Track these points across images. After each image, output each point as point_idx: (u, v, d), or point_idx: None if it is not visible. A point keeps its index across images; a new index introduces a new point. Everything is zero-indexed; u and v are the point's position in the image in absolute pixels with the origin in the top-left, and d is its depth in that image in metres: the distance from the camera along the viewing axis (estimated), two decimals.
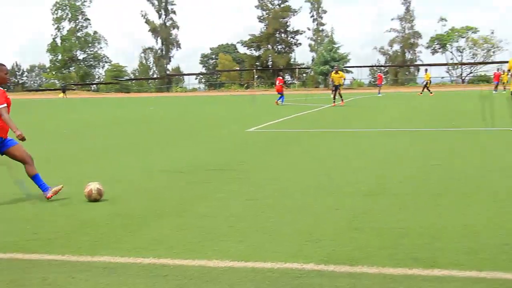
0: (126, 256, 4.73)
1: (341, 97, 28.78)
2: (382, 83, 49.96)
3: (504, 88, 39.99)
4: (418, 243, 4.90)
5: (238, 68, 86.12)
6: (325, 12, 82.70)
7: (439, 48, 75.30)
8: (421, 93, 41.65)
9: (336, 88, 28.82)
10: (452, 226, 5.38)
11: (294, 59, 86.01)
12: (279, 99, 31.70)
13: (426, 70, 44.80)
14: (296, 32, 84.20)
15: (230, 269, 4.38)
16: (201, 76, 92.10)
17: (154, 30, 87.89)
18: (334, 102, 28.40)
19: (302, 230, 5.40)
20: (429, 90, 41.36)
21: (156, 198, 7.06)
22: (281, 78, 34.33)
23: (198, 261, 4.56)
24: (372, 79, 75.44)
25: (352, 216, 5.89)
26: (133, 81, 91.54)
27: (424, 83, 42.62)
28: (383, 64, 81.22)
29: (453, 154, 10.26)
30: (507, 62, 14.45)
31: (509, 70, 14.29)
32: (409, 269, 4.26)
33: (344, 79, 31.25)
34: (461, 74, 73.72)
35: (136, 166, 9.78)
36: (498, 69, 47.41)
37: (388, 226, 5.45)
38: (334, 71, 29.50)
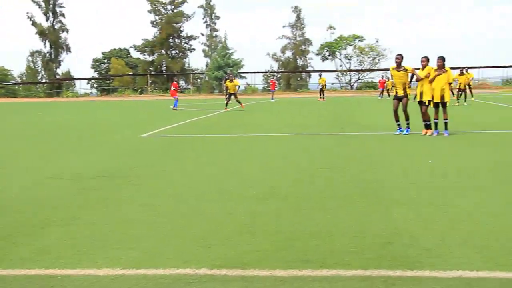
0: (9, 268, 4.52)
1: (239, 102, 29.37)
2: (275, 88, 50.76)
3: (389, 95, 41.98)
4: (308, 245, 5.03)
5: (131, 73, 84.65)
6: (218, 18, 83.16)
7: (329, 55, 77.77)
8: (322, 98, 42.04)
9: (230, 95, 29.42)
10: (341, 228, 5.57)
11: (189, 64, 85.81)
12: (176, 103, 31.82)
13: (320, 75, 45.74)
14: (190, 38, 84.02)
15: (121, 277, 4.30)
16: (93, 80, 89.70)
17: (42, 33, 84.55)
18: (226, 107, 28.90)
19: (195, 235, 5.39)
20: (320, 95, 42.33)
21: (44, 206, 6.80)
22: (175, 82, 34.22)
23: (87, 270, 4.44)
24: (266, 85, 76.66)
25: (245, 220, 5.95)
26: (20, 86, 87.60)
27: (320, 87, 43.40)
28: (276, 70, 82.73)
29: (340, 157, 10.61)
30: (390, 69, 15.08)
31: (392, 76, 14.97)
32: (299, 271, 4.36)
33: (238, 86, 31.83)
34: (350, 81, 76.46)
35: (23, 174, 9.38)
36: (382, 77, 49.69)
37: (279, 230, 5.55)
38: (229, 79, 29.93)
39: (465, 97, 29.44)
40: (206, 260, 4.66)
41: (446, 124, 14.01)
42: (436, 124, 14.10)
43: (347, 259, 4.61)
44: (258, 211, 6.35)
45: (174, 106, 31.31)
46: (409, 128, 14.42)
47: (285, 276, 4.27)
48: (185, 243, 5.15)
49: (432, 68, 14.20)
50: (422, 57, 14.45)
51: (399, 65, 14.46)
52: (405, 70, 14.39)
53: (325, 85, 44.62)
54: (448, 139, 13.16)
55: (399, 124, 14.56)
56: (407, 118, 14.42)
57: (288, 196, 7.15)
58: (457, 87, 29.15)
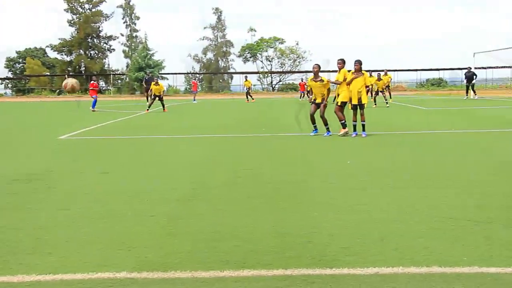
0: None
1: (163, 106, 28.93)
2: (197, 90, 50.59)
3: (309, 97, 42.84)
4: (230, 245, 5.05)
5: (48, 73, 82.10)
6: (138, 18, 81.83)
7: (250, 57, 78.30)
8: (252, 99, 42.40)
9: (155, 97, 28.96)
10: (262, 228, 5.62)
11: (109, 65, 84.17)
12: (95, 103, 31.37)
13: (246, 77, 46.01)
14: (109, 38, 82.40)
15: (37, 283, 4.17)
16: (7, 81, 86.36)
17: None
18: (148, 109, 28.46)
19: (115, 239, 5.31)
20: (247, 97, 42.64)
21: None
22: (93, 82, 33.56)
23: (1, 277, 4.28)
24: (188, 86, 76.29)
25: (166, 222, 5.91)
26: None
27: (246, 90, 43.70)
28: (197, 72, 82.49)
29: (262, 159, 10.71)
30: (311, 72, 15.36)
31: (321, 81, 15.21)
32: (221, 272, 4.37)
33: (164, 90, 31.59)
34: (271, 82, 77.25)
35: None
36: (302, 80, 50.61)
37: (202, 231, 5.55)
38: (154, 82, 29.58)
39: (385, 98, 30.37)
40: (126, 263, 4.59)
41: (363, 125, 14.40)
42: (354, 126, 14.46)
43: (267, 259, 4.66)
44: (180, 213, 6.32)
45: (92, 107, 30.80)
46: (329, 131, 14.70)
47: (207, 277, 4.27)
48: (104, 247, 5.06)
49: (350, 71, 14.58)
50: (338, 60, 14.77)
51: (316, 75, 14.75)
52: (322, 81, 14.71)
53: (251, 87, 45.00)
54: (365, 140, 13.52)
55: (315, 126, 14.87)
56: (325, 123, 14.71)
57: (210, 197, 7.15)
58: (375, 90, 30.07)
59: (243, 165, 9.82)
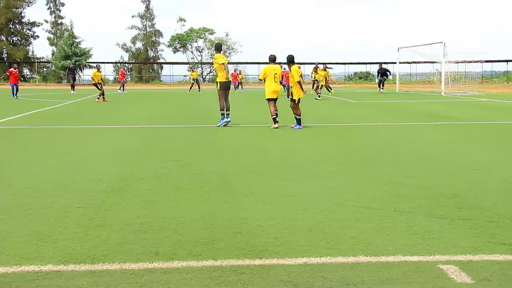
0: None
1: (103, 94, 28.36)
2: (125, 80, 49.69)
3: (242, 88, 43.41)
4: (159, 236, 5.01)
5: None
6: (63, 4, 79.68)
7: (180, 47, 77.59)
8: (199, 91, 42.46)
9: (96, 85, 28.63)
10: (192, 219, 5.61)
11: (33, 52, 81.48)
12: (16, 91, 30.73)
13: (191, 68, 46.52)
14: (33, 24, 79.75)
15: None
16: None
17: None
18: (104, 98, 28.21)
19: (40, 231, 5.16)
20: (195, 87, 42.62)
21: None
22: (11, 69, 32.54)
23: None
24: (117, 76, 75.01)
25: (94, 214, 5.80)
26: None
27: (192, 81, 44.14)
28: (126, 61, 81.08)
29: (192, 150, 10.66)
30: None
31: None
32: (150, 263, 4.33)
33: (101, 78, 30.84)
34: (202, 73, 76.87)
35: None
36: (235, 70, 50.79)
37: (130, 222, 5.48)
38: (96, 70, 29.14)
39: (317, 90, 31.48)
40: (52, 255, 4.48)
41: (299, 119, 14.64)
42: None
43: (197, 250, 4.65)
44: (108, 204, 6.22)
45: (14, 94, 30.16)
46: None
47: (135, 269, 4.22)
48: (29, 239, 4.91)
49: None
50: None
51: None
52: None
53: (197, 79, 45.47)
54: (296, 132, 13.69)
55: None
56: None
57: (139, 188, 7.06)
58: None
59: (172, 156, 9.75)
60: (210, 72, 77.29)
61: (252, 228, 5.27)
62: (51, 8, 79.06)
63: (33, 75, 77.09)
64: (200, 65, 76.68)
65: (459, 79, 40.56)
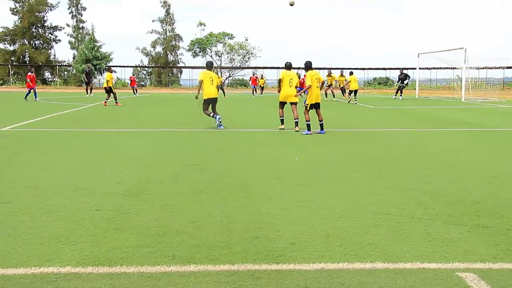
0: None
1: (109, 98, 28.32)
2: (136, 85, 48.75)
3: (262, 92, 43.45)
4: (176, 240, 5.03)
5: None
6: (84, 9, 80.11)
7: (200, 52, 77.76)
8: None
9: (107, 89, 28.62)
10: (209, 223, 5.62)
11: (54, 55, 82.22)
12: (27, 94, 31.71)
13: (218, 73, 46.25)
14: (55, 28, 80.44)
15: None
16: None
17: None
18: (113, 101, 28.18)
19: (60, 233, 5.21)
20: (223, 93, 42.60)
21: None
22: (29, 74, 32.97)
23: None
24: (137, 80, 75.58)
25: (112, 217, 5.84)
26: None
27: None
28: (146, 65, 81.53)
29: (210, 154, 10.68)
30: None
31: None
32: (167, 267, 4.36)
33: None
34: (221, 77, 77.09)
35: None
36: (253, 73, 50.76)
37: (148, 225, 5.51)
38: (109, 72, 29.42)
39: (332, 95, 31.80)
40: (70, 257, 4.52)
41: (296, 122, 15.25)
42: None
43: (214, 254, 4.66)
44: (126, 207, 6.26)
45: (35, 98, 30.76)
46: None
47: (153, 272, 4.24)
48: (48, 241, 4.96)
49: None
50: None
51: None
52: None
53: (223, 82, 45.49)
54: (314, 137, 13.67)
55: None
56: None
57: (157, 192, 7.10)
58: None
59: (190, 160, 9.78)
60: (230, 76, 77.44)
61: (269, 233, 5.28)
62: (72, 12, 79.71)
63: (54, 79, 77.78)
64: (219, 69, 76.82)
65: (480, 85, 40.21)
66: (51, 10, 79.64)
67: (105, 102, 27.79)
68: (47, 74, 79.01)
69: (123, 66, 75.53)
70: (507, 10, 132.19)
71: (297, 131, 14.94)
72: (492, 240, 5.14)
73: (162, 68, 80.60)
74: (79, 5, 79.40)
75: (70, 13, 79.79)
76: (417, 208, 6.30)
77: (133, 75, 53.50)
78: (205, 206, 6.37)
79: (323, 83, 16.90)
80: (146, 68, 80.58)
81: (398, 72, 39.93)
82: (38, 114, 20.63)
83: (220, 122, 15.66)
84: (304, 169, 8.96)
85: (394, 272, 4.29)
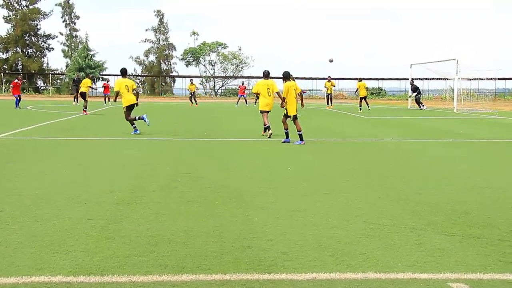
0: None
1: (85, 105, 27.54)
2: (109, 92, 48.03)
3: (246, 101, 43.64)
4: (168, 249, 5.03)
5: None
6: (78, 17, 79.98)
7: (193, 61, 77.86)
8: (196, 104, 41.79)
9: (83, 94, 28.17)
10: (201, 232, 5.62)
11: (47, 64, 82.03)
12: (17, 102, 31.78)
13: (191, 80, 45.51)
14: (48, 36, 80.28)
15: None
16: None
17: None
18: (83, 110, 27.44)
19: (51, 242, 5.19)
20: (191, 101, 42.30)
21: None
22: (15, 81, 32.95)
23: None
24: (111, 88, 75.54)
25: (104, 226, 5.83)
26: None
27: (190, 93, 43.10)
28: (139, 74, 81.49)
29: (203, 163, 10.67)
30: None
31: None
32: (159, 276, 4.35)
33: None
34: (214, 87, 77.11)
35: None
36: (243, 83, 50.77)
37: (140, 235, 5.50)
38: (88, 79, 29.18)
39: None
40: (62, 267, 4.50)
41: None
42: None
43: (206, 263, 4.66)
44: (118, 216, 6.24)
45: (16, 106, 30.86)
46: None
47: (145, 281, 4.23)
48: (39, 250, 4.94)
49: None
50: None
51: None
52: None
53: (195, 91, 44.94)
54: (306, 147, 13.68)
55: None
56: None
57: (149, 201, 7.09)
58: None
59: (183, 169, 9.77)
60: (223, 86, 77.53)
61: (261, 243, 5.28)
62: (66, 21, 79.66)
63: (47, 87, 77.61)
64: (212, 78, 76.90)
65: (472, 96, 40.38)
66: (44, 18, 79.47)
67: (84, 110, 27.07)
68: (39, 83, 78.83)
69: (117, 75, 75.25)
70: (500, 24, 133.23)
71: (267, 135, 15.37)
72: (483, 250, 5.16)
73: (155, 77, 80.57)
74: (72, 13, 79.34)
75: (63, 21, 79.72)
76: (410, 218, 6.32)
77: (108, 81, 52.40)
78: (197, 215, 6.37)
79: (301, 94, 16.91)
80: (139, 77, 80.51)
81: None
82: (30, 123, 20.56)
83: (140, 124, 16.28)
84: (297, 178, 8.97)
85: (385, 282, 4.30)
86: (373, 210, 6.70)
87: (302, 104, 16.95)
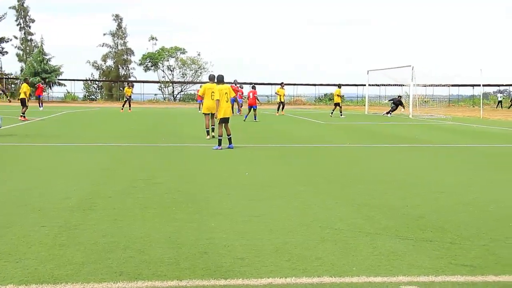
0: None
1: (23, 111, 26.51)
2: (42, 94, 46.77)
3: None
4: (124, 256, 4.98)
5: None
6: (33, 21, 78.62)
7: (151, 66, 77.34)
8: (129, 109, 40.35)
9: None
10: (158, 239, 5.58)
11: (1, 68, 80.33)
12: None
13: (129, 85, 44.51)
14: (1, 40, 78.63)
15: None
16: None
17: None
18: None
19: (2, 250, 5.09)
20: (122, 106, 40.57)
21: None
22: None
23: None
24: (87, 93, 74.58)
25: (58, 233, 5.74)
26: None
27: (126, 98, 41.34)
28: (97, 79, 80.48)
29: (159, 169, 10.60)
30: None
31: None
32: (114, 283, 4.30)
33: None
34: (173, 92, 76.69)
35: None
36: (235, 83, 50.65)
37: (95, 241, 5.43)
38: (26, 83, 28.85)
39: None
40: (13, 275, 4.42)
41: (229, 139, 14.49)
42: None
43: (162, 270, 4.63)
44: (73, 223, 6.15)
45: None
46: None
47: None
48: None
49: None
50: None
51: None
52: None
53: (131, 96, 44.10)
54: (264, 152, 13.73)
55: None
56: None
57: (105, 207, 7.01)
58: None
59: (140, 175, 9.69)
60: (182, 91, 77.21)
61: (218, 248, 5.27)
62: (20, 24, 78.19)
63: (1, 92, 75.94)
64: (170, 84, 76.49)
65: (427, 102, 41.18)
66: None
67: (22, 116, 26.06)
68: None
69: (74, 80, 74.37)
70: (455, 33, 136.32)
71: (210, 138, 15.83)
72: (435, 253, 5.26)
73: (113, 82, 79.67)
74: (27, 17, 77.91)
75: (17, 25, 78.19)
76: (365, 223, 6.40)
77: (42, 83, 51.14)
78: (154, 221, 6.33)
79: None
80: (97, 82, 79.50)
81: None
82: None
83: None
84: (254, 184, 8.99)
85: (340, 286, 4.35)
86: (329, 215, 6.77)
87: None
